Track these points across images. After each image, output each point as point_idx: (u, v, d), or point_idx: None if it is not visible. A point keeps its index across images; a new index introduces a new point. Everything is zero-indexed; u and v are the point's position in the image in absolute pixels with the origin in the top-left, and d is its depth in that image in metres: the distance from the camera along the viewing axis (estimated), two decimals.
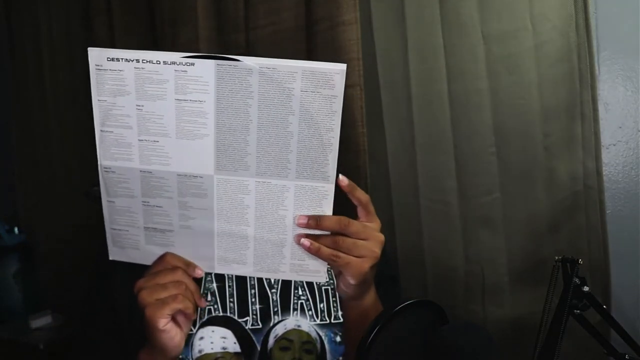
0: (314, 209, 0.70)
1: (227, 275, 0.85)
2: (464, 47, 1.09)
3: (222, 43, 1.25)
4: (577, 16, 1.04)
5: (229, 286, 0.84)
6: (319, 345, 0.83)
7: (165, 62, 0.64)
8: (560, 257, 0.86)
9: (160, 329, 0.67)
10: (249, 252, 0.72)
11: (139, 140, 0.67)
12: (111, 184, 0.70)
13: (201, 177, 0.68)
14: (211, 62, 0.63)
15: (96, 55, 0.65)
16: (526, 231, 1.10)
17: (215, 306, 0.82)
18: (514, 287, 1.11)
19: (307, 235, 0.69)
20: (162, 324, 0.67)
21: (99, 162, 0.69)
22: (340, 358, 0.83)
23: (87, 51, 0.64)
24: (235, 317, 0.82)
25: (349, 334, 0.82)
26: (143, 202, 0.71)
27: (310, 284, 0.87)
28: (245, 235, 0.71)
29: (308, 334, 0.82)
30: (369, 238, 0.69)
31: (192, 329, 0.81)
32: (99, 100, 0.66)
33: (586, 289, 0.83)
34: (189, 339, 0.80)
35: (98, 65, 0.65)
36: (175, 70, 0.64)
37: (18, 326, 1.60)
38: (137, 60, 0.64)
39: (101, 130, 0.68)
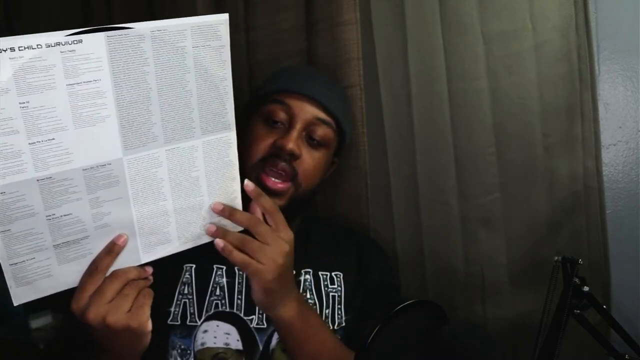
0: (222, 159, 0.69)
1: (238, 271, 0.84)
2: (464, 47, 1.09)
3: None
4: (577, 16, 1.04)
5: (239, 283, 0.84)
6: None
7: (48, 45, 0.54)
8: (560, 257, 0.85)
9: (149, 330, 0.65)
10: (171, 228, 0.69)
11: (30, 144, 0.57)
12: (2, 209, 0.58)
13: (109, 163, 0.62)
14: (101, 35, 0.57)
15: None
16: (526, 231, 1.10)
17: (223, 301, 0.82)
18: (514, 287, 1.11)
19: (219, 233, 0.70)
20: (150, 325, 0.65)
21: None
22: None
23: None
24: (242, 315, 0.82)
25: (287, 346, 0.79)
26: (47, 216, 0.61)
27: (318, 290, 0.87)
28: (165, 210, 0.68)
29: None
30: (273, 244, 0.68)
31: (197, 320, 0.81)
32: None
33: (586, 289, 0.83)
34: (192, 331, 0.80)
35: None
36: (62, 52, 0.55)
37: (18, 326, 1.60)
38: (12, 49, 0.53)
39: None
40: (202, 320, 0.81)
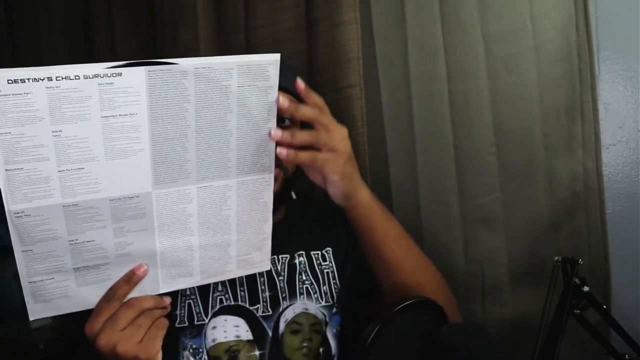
0: (255, 200, 0.68)
1: None
2: (464, 47, 1.09)
3: (222, 43, 1.25)
4: (577, 16, 1.04)
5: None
6: (324, 325, 0.85)
7: (86, 77, 0.55)
8: (560, 257, 0.86)
9: None
10: (195, 263, 0.68)
11: (59, 171, 0.57)
12: (26, 230, 0.59)
13: (138, 196, 0.61)
14: (141, 70, 0.56)
15: None
16: (526, 231, 1.10)
17: (227, 296, 0.83)
18: (514, 287, 1.11)
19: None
20: (160, 357, 0.65)
21: (6, 208, 0.57)
22: (338, 327, 0.86)
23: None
24: (247, 306, 0.83)
25: (374, 241, 0.79)
26: (70, 241, 0.61)
27: (312, 269, 0.88)
28: (190, 245, 0.67)
29: (315, 316, 0.85)
30: (336, 130, 0.69)
31: (205, 318, 0.82)
32: (0, 133, 0.54)
33: (586, 289, 0.83)
34: (201, 329, 0.81)
35: None
36: (99, 84, 0.55)
37: (18, 326, 1.60)
38: (49, 79, 0.53)
39: (6, 170, 0.55)
40: (209, 317, 0.82)
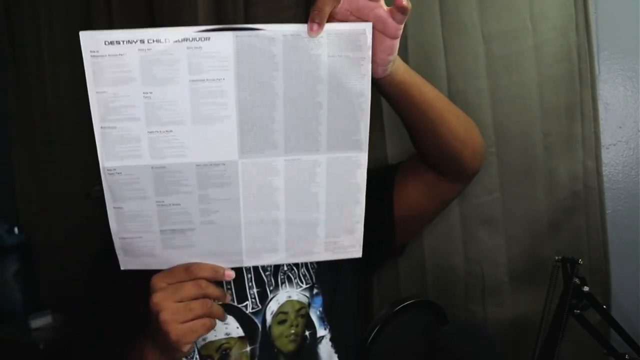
0: (347, 180, 0.66)
1: None
2: (464, 47, 1.09)
3: None
4: (577, 16, 1.04)
5: None
6: (308, 307, 0.85)
7: (176, 40, 0.55)
8: (560, 257, 0.86)
9: (183, 352, 0.65)
10: (280, 238, 0.67)
11: (149, 132, 0.59)
12: (117, 187, 0.61)
13: (224, 164, 0.61)
14: (230, 34, 0.56)
15: (90, 40, 0.55)
16: (526, 231, 1.10)
17: None
18: (514, 287, 1.11)
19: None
20: (187, 348, 0.65)
21: (100, 165, 0.60)
22: (321, 309, 0.85)
23: None
24: (235, 304, 0.83)
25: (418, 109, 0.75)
26: (157, 202, 0.63)
27: None
28: (276, 219, 0.66)
29: (299, 301, 0.85)
30: None
31: None
32: (97, 92, 0.57)
33: (586, 289, 0.83)
34: None
35: (94, 52, 0.55)
36: (188, 48, 0.56)
37: (18, 326, 1.60)
38: (142, 41, 0.55)
39: (102, 127, 0.58)
40: None
